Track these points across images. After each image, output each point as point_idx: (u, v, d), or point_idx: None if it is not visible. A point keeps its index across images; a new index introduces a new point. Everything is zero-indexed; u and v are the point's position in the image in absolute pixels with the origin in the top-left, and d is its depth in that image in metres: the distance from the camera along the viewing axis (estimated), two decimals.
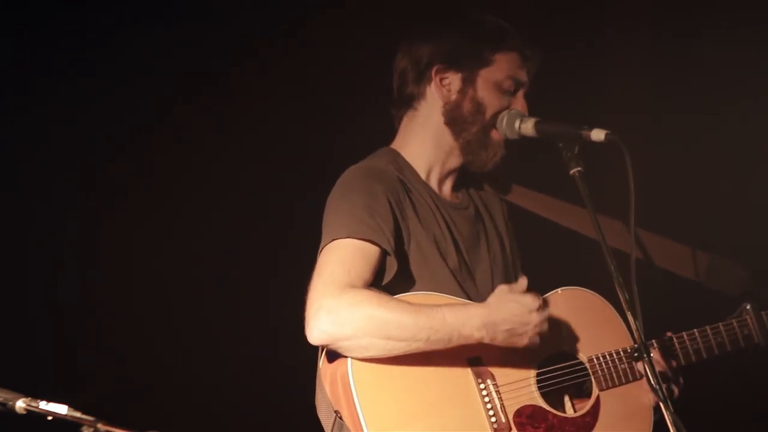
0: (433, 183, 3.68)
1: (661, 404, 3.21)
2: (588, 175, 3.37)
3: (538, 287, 3.64)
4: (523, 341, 3.41)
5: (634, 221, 3.34)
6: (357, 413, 3.31)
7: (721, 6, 4.78)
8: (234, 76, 4.55)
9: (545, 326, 3.43)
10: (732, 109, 4.79)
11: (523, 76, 3.67)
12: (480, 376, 3.43)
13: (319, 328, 3.30)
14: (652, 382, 3.24)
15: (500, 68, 3.64)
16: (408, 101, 3.69)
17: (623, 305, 3.27)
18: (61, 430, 2.64)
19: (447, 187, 3.72)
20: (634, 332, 3.27)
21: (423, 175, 3.66)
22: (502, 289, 3.45)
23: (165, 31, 4.40)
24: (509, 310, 3.40)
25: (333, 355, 3.39)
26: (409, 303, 3.36)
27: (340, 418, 3.36)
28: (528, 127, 3.57)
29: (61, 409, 2.62)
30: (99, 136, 4.37)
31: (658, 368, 3.33)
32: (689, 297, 4.17)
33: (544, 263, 3.94)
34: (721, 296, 3.94)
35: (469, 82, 3.63)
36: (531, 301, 3.42)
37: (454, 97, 3.63)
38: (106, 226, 4.41)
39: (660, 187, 4.48)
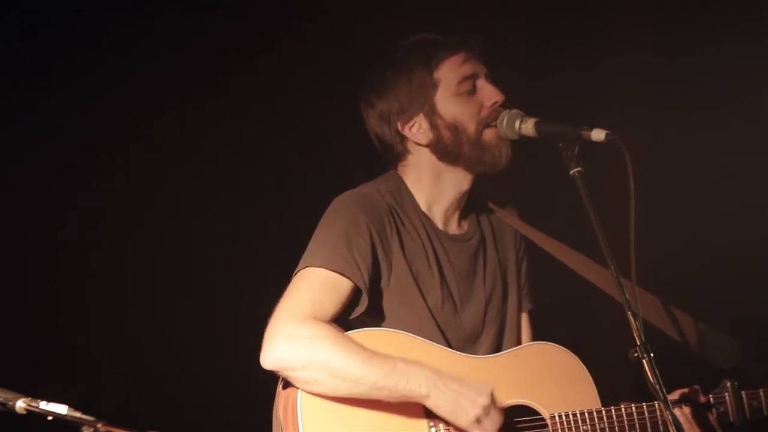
0: (436, 213, 3.66)
1: (661, 404, 3.19)
2: (588, 175, 3.36)
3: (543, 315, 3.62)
4: (466, 418, 3.35)
5: (634, 222, 3.32)
6: None
7: (721, 6, 4.78)
8: (233, 78, 4.54)
9: (491, 421, 3.37)
10: (732, 109, 4.80)
11: (470, 69, 3.63)
12: (433, 421, 3.39)
13: (272, 354, 3.31)
14: (652, 382, 3.22)
15: (447, 80, 3.61)
16: (397, 158, 3.69)
17: (624, 306, 3.25)
18: (61, 430, 2.64)
19: (454, 216, 3.69)
20: (634, 332, 3.23)
21: (424, 206, 3.64)
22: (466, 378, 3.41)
23: (164, 31, 4.39)
24: (462, 384, 3.36)
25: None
26: (365, 348, 3.32)
27: None
28: (528, 127, 3.56)
29: (61, 409, 2.62)
30: (99, 136, 4.37)
31: None
32: (677, 364, 4.13)
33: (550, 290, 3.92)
34: (710, 367, 3.89)
35: (432, 113, 3.60)
36: (485, 390, 3.38)
37: (431, 135, 3.61)
38: (107, 226, 4.41)
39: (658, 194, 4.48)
